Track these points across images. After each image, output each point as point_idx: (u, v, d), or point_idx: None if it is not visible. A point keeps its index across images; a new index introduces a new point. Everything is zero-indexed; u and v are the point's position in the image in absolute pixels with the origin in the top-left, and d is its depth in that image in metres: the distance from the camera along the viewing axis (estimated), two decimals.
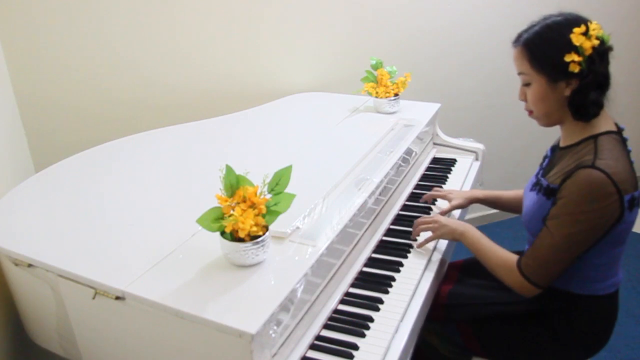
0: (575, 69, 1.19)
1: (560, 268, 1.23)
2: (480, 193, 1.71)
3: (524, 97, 1.32)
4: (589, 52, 1.18)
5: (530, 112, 1.33)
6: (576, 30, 1.18)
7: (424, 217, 1.55)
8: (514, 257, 1.31)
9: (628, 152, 1.25)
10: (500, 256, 1.34)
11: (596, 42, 1.18)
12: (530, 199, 1.35)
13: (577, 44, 1.18)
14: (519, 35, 1.29)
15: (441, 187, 1.87)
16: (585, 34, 1.18)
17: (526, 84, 1.29)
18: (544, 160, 1.44)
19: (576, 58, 1.18)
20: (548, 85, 1.24)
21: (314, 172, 1.56)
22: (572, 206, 1.18)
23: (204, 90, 2.19)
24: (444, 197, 1.73)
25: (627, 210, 1.19)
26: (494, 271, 1.35)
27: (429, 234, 1.51)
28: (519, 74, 1.30)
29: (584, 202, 1.16)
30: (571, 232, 1.19)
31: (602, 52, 1.20)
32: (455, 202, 1.68)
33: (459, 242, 1.46)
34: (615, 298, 1.37)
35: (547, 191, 1.27)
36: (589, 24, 1.19)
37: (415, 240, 1.54)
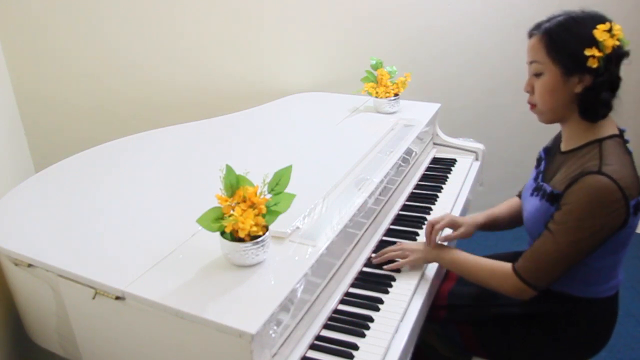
0: (594, 64, 1.17)
1: (562, 272, 1.22)
2: (480, 218, 1.54)
3: (530, 89, 1.29)
4: (609, 50, 1.17)
5: (533, 106, 1.29)
6: (600, 26, 1.17)
7: (390, 247, 1.46)
8: (505, 264, 1.29)
9: (630, 154, 1.24)
10: (489, 265, 1.31)
11: (617, 43, 1.17)
12: (531, 205, 1.33)
13: (600, 39, 1.16)
14: (538, 25, 1.26)
15: (441, 187, 1.86)
16: (609, 31, 1.17)
17: (537, 74, 1.25)
18: (539, 163, 1.42)
19: (597, 53, 1.16)
20: (561, 78, 1.21)
21: (314, 172, 1.56)
22: (579, 213, 1.16)
23: (204, 90, 2.19)
24: (451, 226, 1.51)
25: (632, 215, 1.18)
26: (486, 282, 1.32)
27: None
28: (531, 62, 1.26)
29: (591, 209, 1.15)
30: (577, 238, 1.17)
31: (619, 54, 1.19)
32: (462, 230, 1.50)
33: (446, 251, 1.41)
34: (616, 300, 1.36)
35: (550, 197, 1.24)
36: (613, 24, 1.18)
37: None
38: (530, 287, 1.24)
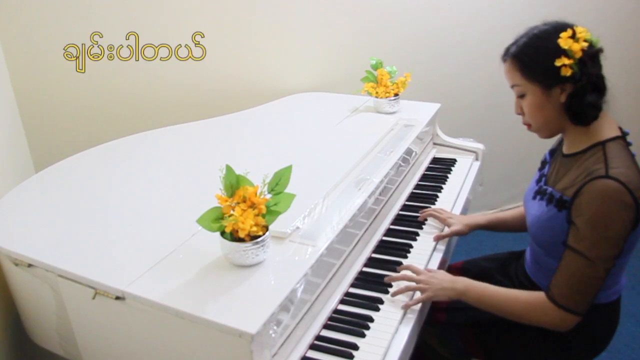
0: (567, 72, 1.18)
1: (600, 287, 1.19)
2: (481, 219, 1.62)
3: (520, 111, 1.31)
4: (578, 54, 1.18)
5: (529, 126, 1.31)
6: (563, 34, 1.18)
7: (410, 270, 1.38)
8: (538, 294, 1.23)
9: (633, 156, 1.22)
10: (523, 299, 1.25)
11: (585, 45, 1.18)
12: (536, 209, 1.31)
13: (566, 47, 1.18)
14: (507, 49, 1.29)
15: (441, 187, 1.87)
16: (573, 37, 1.18)
17: (521, 96, 1.28)
18: (543, 165, 1.41)
19: (566, 61, 1.18)
20: (543, 94, 1.23)
21: (314, 172, 1.55)
22: (596, 222, 1.14)
23: (204, 90, 2.19)
24: (443, 222, 1.61)
25: None
26: (523, 317, 1.25)
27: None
28: (512, 86, 1.29)
29: (606, 215, 1.13)
30: (606, 248, 1.15)
31: (592, 54, 1.20)
32: (455, 228, 1.57)
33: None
34: (618, 304, 1.36)
35: (558, 203, 1.23)
36: (575, 28, 1.20)
37: (389, 285, 1.35)
38: (573, 314, 1.19)
